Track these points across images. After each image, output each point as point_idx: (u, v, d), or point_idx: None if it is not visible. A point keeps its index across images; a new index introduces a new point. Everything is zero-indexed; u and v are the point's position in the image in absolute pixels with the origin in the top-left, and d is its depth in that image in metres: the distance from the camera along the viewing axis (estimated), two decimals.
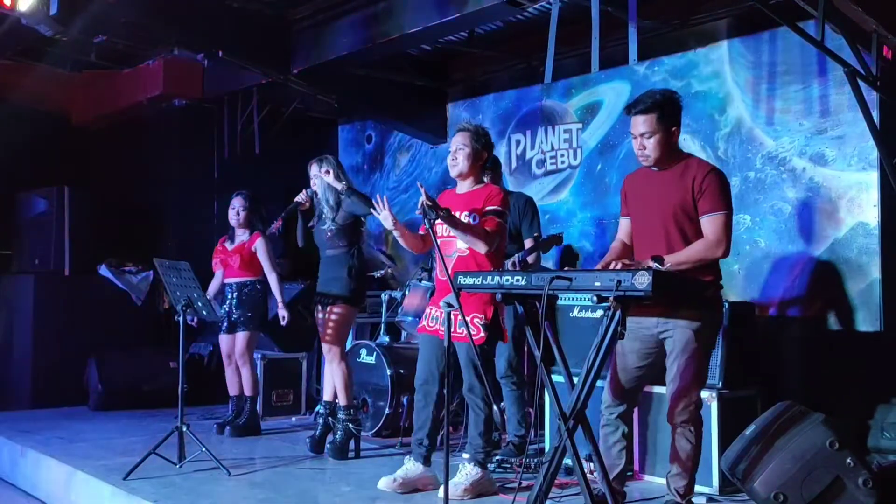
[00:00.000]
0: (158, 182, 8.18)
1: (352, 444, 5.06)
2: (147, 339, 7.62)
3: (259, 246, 5.76)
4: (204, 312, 4.89)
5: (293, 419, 6.43)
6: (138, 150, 8.15)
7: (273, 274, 5.70)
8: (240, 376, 5.83)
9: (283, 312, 5.58)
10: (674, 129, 3.50)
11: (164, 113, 8.11)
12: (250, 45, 6.59)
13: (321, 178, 5.08)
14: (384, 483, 4.21)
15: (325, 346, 5.10)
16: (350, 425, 5.03)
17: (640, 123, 3.48)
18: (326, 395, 5.26)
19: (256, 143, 7.87)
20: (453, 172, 4.26)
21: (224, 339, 5.84)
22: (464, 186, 4.26)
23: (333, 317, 5.04)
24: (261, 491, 4.28)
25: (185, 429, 4.65)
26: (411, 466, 4.25)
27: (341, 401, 5.07)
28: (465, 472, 4.10)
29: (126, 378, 6.95)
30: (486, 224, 4.05)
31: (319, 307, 5.15)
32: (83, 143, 8.08)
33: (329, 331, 5.06)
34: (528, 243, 5.04)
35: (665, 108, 3.47)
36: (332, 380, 5.19)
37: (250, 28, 6.54)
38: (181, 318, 4.75)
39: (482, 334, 4.01)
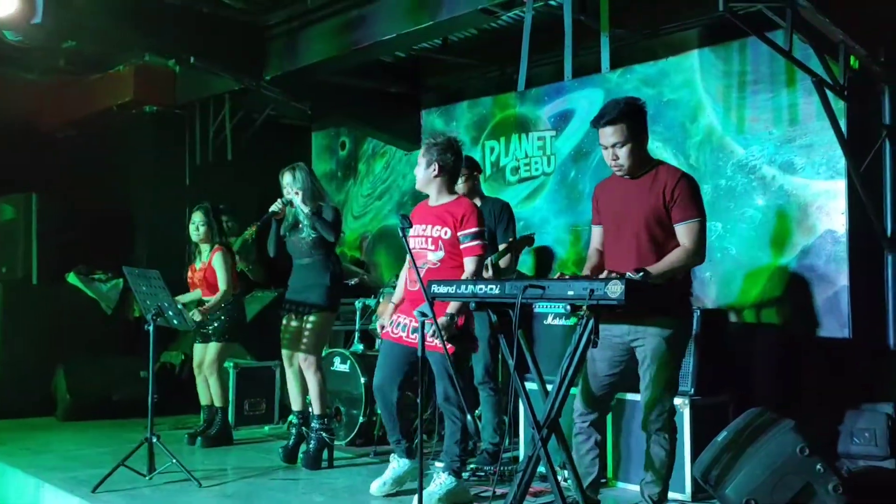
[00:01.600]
0: (129, 189, 8.10)
1: (325, 454, 5.02)
2: (117, 347, 7.51)
3: (217, 260, 5.68)
4: (175, 322, 4.83)
5: (266, 428, 6.37)
6: (108, 157, 8.05)
7: (225, 287, 5.61)
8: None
9: (198, 318, 5.46)
10: (642, 136, 3.52)
11: (134, 119, 8.02)
12: (223, 52, 6.55)
13: (295, 186, 5.05)
14: (375, 487, 4.27)
15: (301, 355, 5.04)
16: (324, 434, 4.99)
17: (610, 134, 3.47)
18: (296, 405, 5.22)
19: (229, 150, 7.82)
20: (417, 186, 4.30)
21: (198, 349, 5.79)
22: (434, 199, 4.25)
23: (310, 325, 5.00)
24: (232, 502, 4.24)
25: (155, 440, 4.58)
26: (397, 465, 4.31)
27: (315, 410, 5.02)
28: (440, 481, 4.09)
29: (95, 387, 6.85)
30: (470, 253, 4.04)
31: (292, 315, 5.11)
32: (51, 150, 7.97)
33: (306, 339, 5.00)
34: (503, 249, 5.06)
35: (633, 116, 3.49)
36: (298, 388, 5.17)
37: (222, 34, 6.50)
38: (152, 327, 4.69)
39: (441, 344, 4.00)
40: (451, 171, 4.19)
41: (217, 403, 5.77)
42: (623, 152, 3.48)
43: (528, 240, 5.07)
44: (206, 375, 5.74)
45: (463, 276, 4.00)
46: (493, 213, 5.09)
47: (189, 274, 5.91)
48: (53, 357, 6.96)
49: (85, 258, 7.61)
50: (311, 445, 5.00)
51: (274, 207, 5.10)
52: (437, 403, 4.20)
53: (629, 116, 3.47)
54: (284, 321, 5.18)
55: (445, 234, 4.08)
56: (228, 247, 5.88)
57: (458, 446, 4.11)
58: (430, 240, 4.14)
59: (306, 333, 5.00)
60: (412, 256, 3.89)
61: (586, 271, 3.67)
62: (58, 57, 7.36)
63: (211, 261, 5.70)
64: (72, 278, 7.48)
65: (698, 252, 3.44)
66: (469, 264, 4.05)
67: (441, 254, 4.10)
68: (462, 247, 4.07)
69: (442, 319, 3.87)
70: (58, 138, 8.16)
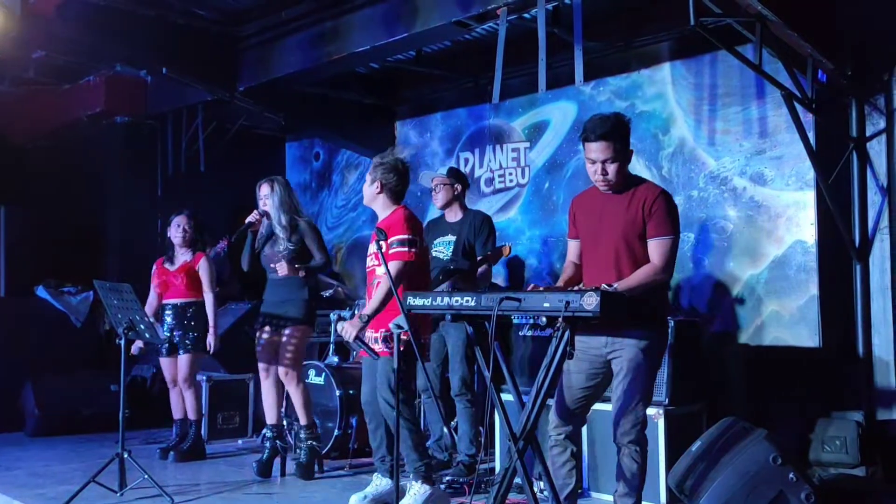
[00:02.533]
0: (100, 201, 8.00)
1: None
2: (86, 361, 7.39)
3: (203, 265, 5.67)
4: (147, 335, 4.78)
5: (239, 442, 6.31)
6: (78, 168, 7.95)
7: (211, 295, 5.61)
8: (183, 399, 5.72)
9: (212, 340, 5.54)
10: (628, 152, 3.55)
11: (105, 130, 7.94)
12: (195, 62, 6.51)
13: (272, 199, 5.05)
14: (355, 500, 4.27)
15: (282, 370, 5.04)
16: (314, 443, 5.03)
17: (600, 150, 3.46)
18: (271, 419, 5.19)
19: (201, 161, 7.76)
20: (364, 202, 4.46)
21: (166, 363, 5.72)
22: (379, 215, 4.37)
23: (293, 340, 5.02)
24: None
25: (126, 455, 4.52)
26: (379, 482, 4.33)
27: (302, 420, 5.07)
28: (414, 491, 4.09)
29: (64, 402, 6.74)
30: (393, 258, 4.07)
31: (268, 328, 5.09)
32: (20, 161, 7.85)
33: (289, 354, 5.02)
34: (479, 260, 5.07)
35: (621, 133, 3.50)
36: (273, 401, 5.16)
37: (195, 45, 6.46)
38: (122, 341, 4.63)
39: (385, 349, 4.08)
40: (393, 189, 4.30)
41: (191, 417, 5.71)
42: (612, 168, 3.48)
43: (504, 250, 5.10)
44: (181, 388, 5.68)
45: (382, 283, 4.03)
46: (472, 226, 5.11)
47: (158, 271, 5.77)
48: (22, 371, 6.83)
49: (54, 271, 7.50)
50: (301, 456, 5.02)
51: (250, 218, 5.09)
52: (382, 410, 4.19)
53: (620, 132, 3.48)
54: (259, 335, 5.15)
55: (382, 247, 4.11)
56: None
57: (414, 451, 4.12)
58: (373, 255, 4.21)
59: (288, 348, 5.01)
60: (387, 268, 3.88)
61: (559, 284, 3.68)
62: (28, 67, 7.26)
63: (197, 264, 5.67)
64: (41, 291, 7.37)
65: (666, 269, 3.46)
66: (391, 268, 3.96)
67: (384, 266, 4.11)
68: (389, 252, 4.09)
69: (354, 320, 4.05)
70: (27, 149, 8.04)
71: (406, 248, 4.12)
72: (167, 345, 5.64)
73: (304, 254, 5.08)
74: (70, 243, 7.63)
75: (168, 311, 5.68)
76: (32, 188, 7.67)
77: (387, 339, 4.08)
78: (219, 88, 6.72)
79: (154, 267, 5.83)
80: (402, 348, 3.72)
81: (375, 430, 4.34)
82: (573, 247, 3.74)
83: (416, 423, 4.20)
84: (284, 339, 5.03)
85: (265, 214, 5.11)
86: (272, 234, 5.12)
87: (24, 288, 7.32)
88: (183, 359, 5.63)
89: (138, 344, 5.55)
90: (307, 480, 4.95)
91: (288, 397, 5.25)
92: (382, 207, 4.33)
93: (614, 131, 3.46)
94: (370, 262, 4.28)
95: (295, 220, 5.09)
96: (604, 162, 3.48)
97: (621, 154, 3.48)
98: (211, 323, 5.56)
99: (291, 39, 6.31)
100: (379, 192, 4.30)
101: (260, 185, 5.18)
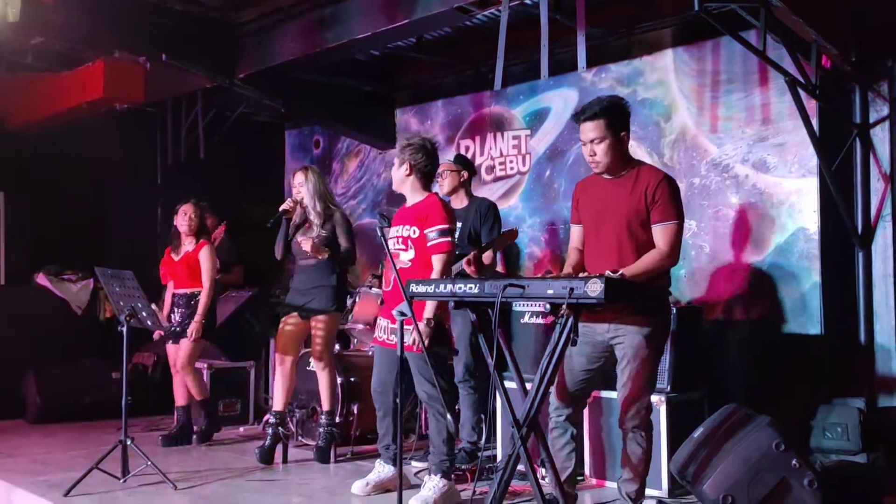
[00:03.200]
0: (99, 188, 7.97)
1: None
2: (88, 349, 7.39)
3: (204, 255, 5.70)
4: (149, 322, 4.77)
5: (241, 429, 6.32)
6: (78, 156, 7.91)
7: (209, 283, 5.64)
8: (186, 386, 5.76)
9: (195, 327, 5.56)
10: (623, 133, 3.53)
11: (104, 117, 7.89)
12: (194, 49, 6.47)
13: (307, 186, 5.09)
14: (357, 487, 4.29)
15: (315, 356, 5.14)
16: (334, 430, 5.14)
17: (590, 129, 3.49)
18: (278, 405, 5.20)
19: (201, 148, 7.73)
20: (393, 186, 4.37)
21: (172, 349, 5.75)
22: (409, 200, 4.29)
23: (323, 326, 5.09)
24: None
25: (129, 442, 4.52)
26: (382, 469, 4.34)
27: (325, 406, 5.18)
28: (433, 484, 4.07)
29: (65, 390, 6.74)
30: (436, 250, 4.05)
31: (295, 315, 5.13)
32: (19, 148, 7.81)
33: (319, 340, 5.09)
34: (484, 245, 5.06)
35: (613, 113, 3.50)
36: (283, 389, 5.17)
37: (194, 31, 6.42)
38: (125, 329, 4.63)
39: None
40: (424, 171, 4.21)
41: (199, 398, 5.76)
42: (600, 149, 3.49)
43: (511, 234, 5.09)
44: (183, 374, 5.71)
45: (432, 276, 3.98)
46: (479, 213, 5.10)
47: (164, 260, 5.86)
48: (23, 359, 6.84)
49: (55, 258, 7.49)
50: (321, 441, 5.13)
51: (284, 206, 5.12)
52: (422, 402, 4.19)
53: (609, 113, 3.48)
54: (283, 323, 5.20)
55: (414, 233, 4.10)
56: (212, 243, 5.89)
57: (445, 444, 4.11)
58: (401, 240, 4.16)
59: (318, 335, 5.09)
60: (391, 256, 3.87)
61: (566, 270, 3.68)
62: (26, 53, 7.22)
63: (198, 253, 5.69)
64: (41, 279, 7.35)
65: (672, 254, 3.46)
66: (435, 262, 4.05)
67: (411, 254, 4.11)
68: (428, 244, 4.08)
69: (421, 326, 3.88)
70: (26, 136, 8.01)
71: (448, 239, 4.07)
72: (176, 331, 5.68)
73: (335, 243, 5.11)
74: (70, 231, 7.61)
75: (176, 300, 5.74)
76: (31, 175, 7.64)
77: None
78: (218, 75, 6.68)
79: (164, 256, 5.90)
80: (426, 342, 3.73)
81: (383, 419, 4.33)
82: (576, 232, 3.74)
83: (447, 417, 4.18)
84: (314, 327, 5.10)
85: (299, 203, 5.11)
86: (304, 223, 5.15)
87: (23, 275, 7.30)
88: (184, 343, 5.65)
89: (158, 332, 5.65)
90: (323, 464, 5.04)
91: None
92: (412, 191, 4.23)
93: (603, 112, 3.48)
94: (392, 245, 4.16)
95: (330, 208, 5.13)
96: (592, 142, 3.49)
97: (610, 134, 3.47)
98: (200, 311, 5.60)
99: (291, 26, 6.27)
100: (409, 175, 4.20)
101: (294, 173, 5.24)
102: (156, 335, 5.75)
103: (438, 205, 4.16)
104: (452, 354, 4.41)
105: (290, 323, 5.17)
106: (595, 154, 3.51)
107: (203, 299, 5.62)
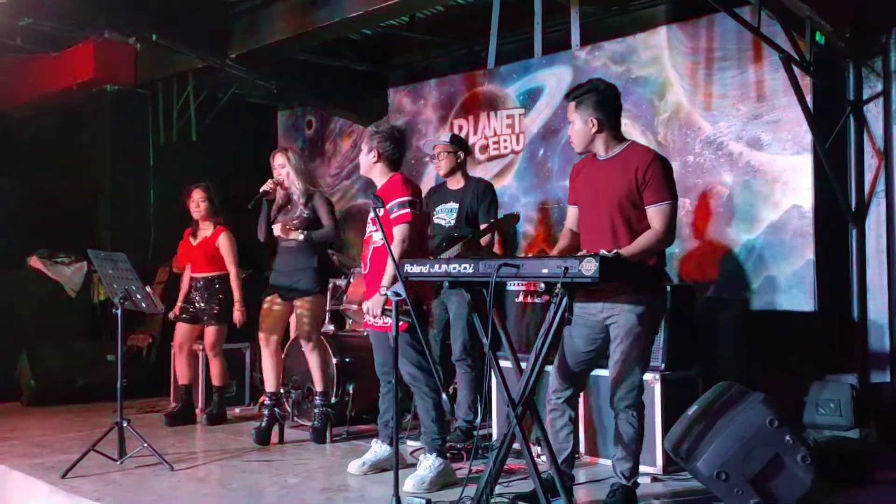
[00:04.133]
0: (91, 170, 7.93)
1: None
2: (82, 331, 7.41)
3: (223, 241, 5.75)
4: (143, 305, 4.76)
5: (237, 410, 6.33)
6: (69, 138, 7.87)
7: (235, 269, 5.72)
8: (190, 366, 5.86)
9: (238, 315, 5.69)
10: (600, 116, 3.53)
11: (95, 99, 7.84)
12: (185, 29, 6.42)
13: (289, 167, 5.08)
14: (354, 466, 4.31)
15: (303, 339, 5.14)
16: (328, 410, 5.15)
17: (567, 111, 3.62)
18: (270, 387, 5.21)
19: (193, 130, 7.69)
20: (361, 172, 4.40)
21: (183, 329, 5.79)
22: (377, 184, 4.33)
23: (309, 307, 5.10)
24: (205, 485, 4.21)
25: (125, 424, 4.53)
26: (378, 448, 4.36)
27: (318, 387, 5.18)
28: (428, 463, 4.07)
29: (60, 372, 6.76)
30: (397, 221, 4.09)
31: (278, 297, 5.12)
32: (9, 131, 7.76)
33: (305, 323, 5.10)
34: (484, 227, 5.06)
35: (585, 98, 3.52)
36: (273, 370, 5.20)
37: (185, 11, 6.36)
38: (120, 311, 4.62)
39: (404, 320, 3.97)
40: (391, 158, 4.26)
41: (218, 383, 5.84)
42: (572, 130, 3.60)
43: (514, 218, 5.10)
44: (209, 357, 5.81)
45: (391, 246, 3.96)
46: (475, 193, 5.09)
47: (182, 243, 5.89)
48: (17, 342, 6.83)
49: (47, 241, 7.46)
50: (316, 422, 5.15)
51: (265, 188, 5.08)
52: (406, 383, 4.20)
53: (588, 97, 3.52)
54: (268, 304, 5.18)
55: (380, 212, 4.10)
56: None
57: (435, 423, 4.12)
58: (372, 221, 4.19)
59: (304, 318, 5.08)
60: (384, 234, 3.86)
61: (557, 249, 3.69)
62: (14, 35, 7.14)
63: (217, 239, 5.74)
64: (34, 262, 7.33)
65: (668, 234, 3.47)
66: (396, 232, 4.07)
67: (381, 233, 4.10)
68: (391, 218, 4.10)
69: (376, 298, 4.02)
70: (16, 119, 7.95)
71: (407, 210, 4.11)
72: (190, 312, 5.75)
73: (317, 223, 5.12)
74: (62, 213, 7.58)
75: (195, 284, 5.79)
76: (23, 158, 7.59)
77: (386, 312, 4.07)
78: (209, 55, 6.63)
79: (183, 239, 5.94)
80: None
81: (386, 394, 4.35)
82: (571, 213, 3.75)
83: (439, 395, 4.19)
84: (298, 309, 5.11)
85: (279, 184, 5.09)
86: (286, 204, 5.14)
87: (16, 259, 7.27)
88: (212, 330, 5.73)
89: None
90: (320, 444, 5.06)
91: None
92: (380, 175, 4.30)
93: (581, 95, 3.55)
94: (369, 228, 4.25)
95: (310, 189, 5.12)
96: (571, 123, 3.57)
97: (577, 118, 3.55)
98: (236, 297, 5.68)
99: (282, 5, 6.23)
100: (376, 162, 4.26)
101: (273, 154, 5.22)
102: (173, 314, 5.80)
103: (399, 180, 4.22)
104: (428, 325, 4.41)
105: (276, 303, 5.17)
106: (570, 135, 3.61)
107: (235, 283, 5.69)
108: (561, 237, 3.77)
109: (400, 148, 4.29)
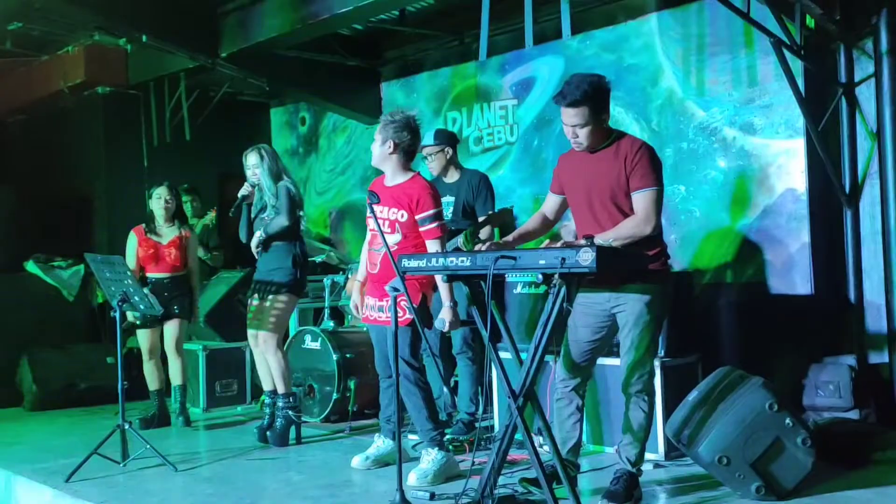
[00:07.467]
0: (85, 173, 7.92)
1: (293, 432, 5.04)
2: (81, 335, 7.39)
3: (192, 240, 5.80)
4: (142, 307, 4.76)
5: (238, 409, 6.34)
6: (62, 141, 7.86)
7: (195, 267, 5.77)
8: (161, 369, 5.76)
9: (198, 313, 5.75)
10: (604, 116, 3.53)
11: (87, 101, 7.83)
12: (175, 29, 6.41)
13: (262, 168, 5.02)
14: (357, 461, 4.32)
15: (262, 335, 5.02)
16: (290, 413, 5.01)
17: (572, 115, 3.49)
18: (267, 385, 5.19)
19: (186, 129, 7.68)
20: (372, 163, 4.27)
21: (144, 334, 5.69)
22: (390, 178, 4.20)
23: (277, 305, 4.99)
24: (209, 485, 4.22)
25: (127, 426, 4.53)
26: (381, 443, 4.36)
27: (280, 389, 5.03)
28: (430, 457, 4.07)
29: (61, 376, 6.74)
30: (430, 236, 4.06)
31: (257, 295, 5.08)
32: (1, 136, 7.76)
33: (271, 319, 4.99)
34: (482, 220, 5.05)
35: (596, 98, 3.48)
36: (267, 368, 5.14)
37: (174, 11, 6.35)
38: (118, 314, 4.62)
39: (407, 316, 3.98)
40: (407, 149, 4.14)
41: (178, 382, 5.74)
42: (584, 133, 3.51)
43: (508, 212, 5.09)
44: (174, 355, 5.69)
45: None
46: (471, 186, 5.09)
47: (143, 243, 5.68)
48: (16, 347, 6.82)
49: (43, 245, 7.45)
50: (278, 424, 5.01)
51: (243, 191, 5.07)
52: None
53: (592, 98, 3.46)
54: (250, 302, 5.17)
55: (402, 216, 4.07)
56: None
57: (428, 420, 4.12)
58: (387, 223, 4.11)
59: (271, 315, 4.99)
60: (382, 233, 3.85)
61: (519, 229, 3.76)
62: (4, 39, 7.12)
63: (188, 238, 5.74)
64: (31, 266, 7.32)
65: (647, 221, 3.46)
66: (431, 247, 4.07)
67: (398, 237, 4.09)
68: (421, 230, 4.07)
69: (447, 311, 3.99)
70: (7, 123, 7.94)
71: (439, 223, 4.08)
72: (154, 315, 5.55)
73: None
74: (57, 217, 7.57)
75: (159, 283, 5.62)
76: (16, 163, 7.59)
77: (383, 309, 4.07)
78: (200, 55, 6.62)
79: (134, 236, 5.72)
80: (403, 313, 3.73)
81: (387, 389, 4.32)
82: (550, 200, 3.79)
83: (430, 392, 4.19)
84: (266, 303, 5.00)
85: (256, 185, 5.08)
86: (264, 205, 5.10)
87: (13, 264, 7.26)
88: (174, 324, 5.63)
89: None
90: (281, 448, 4.92)
91: None
92: (395, 169, 4.16)
93: (586, 98, 3.45)
94: (370, 224, 4.16)
95: (277, 186, 5.05)
96: (575, 126, 3.49)
97: (593, 119, 3.48)
98: (196, 295, 5.75)
99: (272, 2, 6.21)
100: (392, 153, 4.12)
101: (246, 154, 5.13)
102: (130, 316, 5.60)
103: (427, 189, 4.11)
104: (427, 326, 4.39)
105: (254, 303, 5.10)
106: (578, 136, 3.53)
107: (195, 282, 5.75)
108: (531, 219, 3.80)
109: (416, 139, 4.18)
